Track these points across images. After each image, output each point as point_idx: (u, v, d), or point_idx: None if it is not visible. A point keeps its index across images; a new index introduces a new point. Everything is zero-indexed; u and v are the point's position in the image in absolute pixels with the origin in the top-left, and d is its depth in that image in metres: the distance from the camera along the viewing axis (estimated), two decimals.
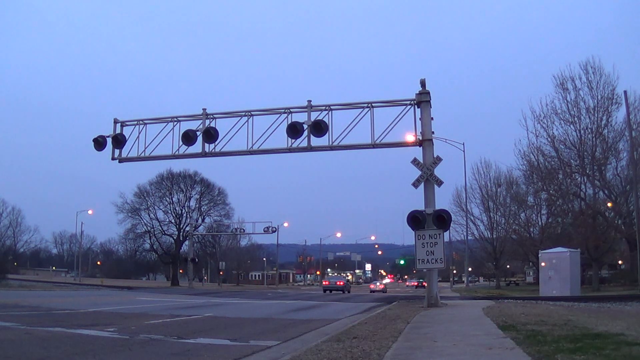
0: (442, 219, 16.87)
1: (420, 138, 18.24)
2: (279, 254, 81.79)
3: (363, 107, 19.63)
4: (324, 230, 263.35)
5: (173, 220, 67.86)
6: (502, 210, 49.13)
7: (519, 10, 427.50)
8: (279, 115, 20.36)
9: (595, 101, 36.63)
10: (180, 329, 11.01)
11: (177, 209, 67.97)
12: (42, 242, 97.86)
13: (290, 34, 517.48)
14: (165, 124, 22.00)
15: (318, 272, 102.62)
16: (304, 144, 19.85)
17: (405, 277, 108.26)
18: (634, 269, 34.18)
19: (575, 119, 37.22)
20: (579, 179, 39.23)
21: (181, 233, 66.84)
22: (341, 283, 45.89)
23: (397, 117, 18.94)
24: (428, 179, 17.58)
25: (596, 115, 36.62)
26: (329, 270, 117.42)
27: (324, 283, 47.61)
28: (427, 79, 18.63)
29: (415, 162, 17.86)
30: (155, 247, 70.14)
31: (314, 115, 19.69)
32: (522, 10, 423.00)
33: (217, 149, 21.32)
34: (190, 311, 16.70)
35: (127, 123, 22.50)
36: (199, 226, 68.99)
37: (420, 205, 17.55)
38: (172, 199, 68.02)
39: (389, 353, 6.71)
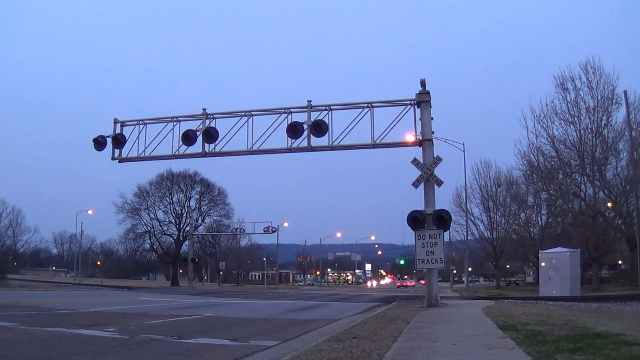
0: (442, 219, 16.87)
1: (420, 138, 18.23)
2: (279, 254, 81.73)
3: (363, 107, 19.63)
4: (324, 230, 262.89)
5: (173, 220, 67.92)
6: (502, 210, 49.09)
7: (519, 10, 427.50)
8: (279, 115, 20.36)
9: (595, 101, 36.61)
10: (180, 329, 11.01)
11: (177, 209, 68.04)
12: (42, 242, 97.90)
13: (291, 33, 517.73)
14: (165, 124, 21.99)
15: (318, 272, 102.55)
16: (304, 144, 19.85)
17: (405, 277, 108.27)
18: (634, 269, 34.16)
19: (575, 119, 37.21)
20: (579, 179, 39.19)
21: (181, 233, 66.83)
22: (412, 284, 75.30)
23: (397, 117, 18.95)
24: (428, 179, 17.58)
25: (596, 115, 36.61)
26: (329, 270, 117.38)
27: (397, 284, 76.68)
28: (427, 78, 18.66)
29: (415, 162, 17.86)
30: (155, 247, 70.15)
31: (314, 115, 19.69)
32: (522, 10, 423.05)
33: (217, 149, 21.32)
34: (190, 311, 16.71)
35: (127, 123, 22.50)
36: (199, 226, 69.01)
37: (420, 205, 17.56)
38: (172, 199, 68.08)
39: (389, 353, 6.72)
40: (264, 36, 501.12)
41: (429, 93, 18.43)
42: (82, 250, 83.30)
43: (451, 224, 30.30)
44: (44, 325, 10.96)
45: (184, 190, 68.65)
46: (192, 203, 69.08)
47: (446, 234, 28.77)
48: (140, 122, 22.40)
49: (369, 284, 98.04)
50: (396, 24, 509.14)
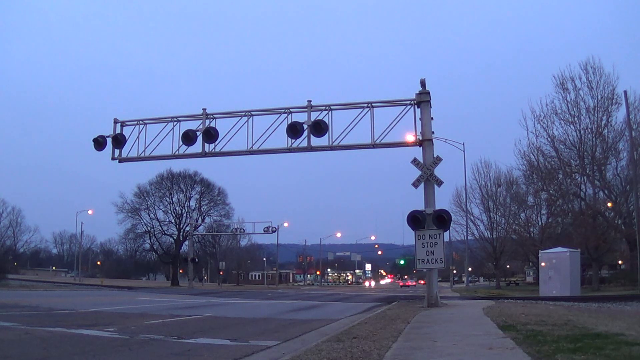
0: (442, 219, 16.86)
1: (420, 138, 18.23)
2: (279, 254, 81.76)
3: (363, 107, 19.63)
4: (324, 230, 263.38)
5: (173, 220, 67.96)
6: (502, 210, 49.07)
7: (518, 10, 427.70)
8: (279, 115, 20.36)
9: (595, 101, 36.64)
10: (180, 329, 11.01)
11: (177, 209, 68.07)
12: (42, 242, 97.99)
13: (290, 34, 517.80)
14: (165, 124, 21.99)
15: (318, 272, 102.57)
16: (304, 144, 19.85)
17: (406, 277, 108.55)
18: (634, 269, 34.16)
19: (575, 119, 37.23)
20: (579, 179, 39.21)
21: (181, 233, 66.86)
22: (413, 283, 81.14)
23: (397, 117, 18.95)
24: (428, 179, 17.57)
25: (596, 115, 36.63)
26: (329, 270, 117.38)
27: (400, 284, 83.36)
28: (427, 78, 18.65)
29: (415, 162, 17.86)
30: (155, 247, 70.15)
31: (314, 115, 19.70)
32: (522, 10, 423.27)
33: (217, 149, 21.32)
34: (190, 311, 16.70)
35: (127, 123, 22.50)
36: (199, 226, 69.04)
37: (420, 205, 17.56)
38: (172, 199, 68.12)
39: (389, 353, 6.71)
40: (264, 36, 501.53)
41: (429, 93, 18.43)
42: (82, 250, 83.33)
43: (451, 224, 30.34)
44: (44, 325, 10.96)
45: (184, 190, 68.71)
46: (192, 203, 69.24)
47: (446, 234, 28.79)
48: (140, 122, 22.40)
49: (366, 284, 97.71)
50: (396, 24, 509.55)
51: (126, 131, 22.37)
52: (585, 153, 37.35)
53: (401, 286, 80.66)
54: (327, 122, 19.58)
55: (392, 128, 19.08)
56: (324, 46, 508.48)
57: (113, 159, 22.45)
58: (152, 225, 67.37)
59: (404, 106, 18.89)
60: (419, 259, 17.02)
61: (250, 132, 20.75)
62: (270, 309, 19.51)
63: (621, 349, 6.28)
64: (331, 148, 20.14)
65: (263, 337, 9.91)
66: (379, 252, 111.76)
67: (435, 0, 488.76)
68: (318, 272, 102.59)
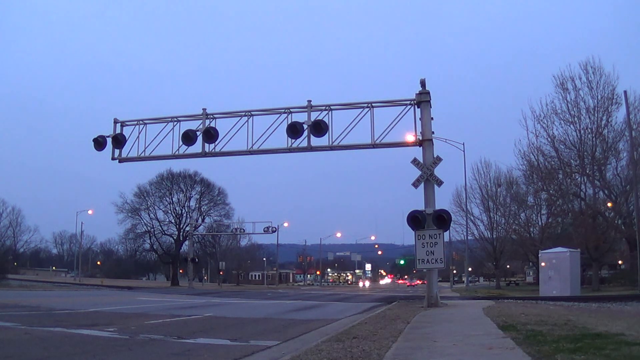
0: (442, 219, 16.87)
1: (420, 138, 18.23)
2: (279, 254, 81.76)
3: (363, 107, 19.63)
4: (324, 230, 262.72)
5: (173, 220, 67.97)
6: (502, 210, 49.12)
7: (519, 10, 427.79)
8: (279, 115, 20.36)
9: (595, 101, 36.66)
10: (180, 329, 11.01)
11: (177, 209, 68.09)
12: (42, 242, 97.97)
13: (290, 33, 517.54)
14: (165, 124, 21.99)
15: (318, 272, 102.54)
16: (304, 144, 19.85)
17: (406, 277, 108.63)
18: (634, 269, 34.15)
19: (575, 119, 37.25)
20: (579, 179, 39.23)
21: (181, 233, 66.87)
22: (417, 283, 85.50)
23: (397, 117, 18.95)
24: (428, 179, 17.58)
25: (596, 115, 36.64)
26: (329, 270, 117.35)
27: (407, 284, 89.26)
28: (427, 78, 18.64)
29: (415, 162, 17.86)
30: (155, 247, 70.16)
31: (314, 115, 19.69)
32: (522, 10, 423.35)
33: (217, 149, 21.32)
34: (190, 311, 16.71)
35: (127, 123, 22.49)
36: (199, 226, 69.03)
37: (420, 205, 17.56)
38: (172, 199, 68.14)
39: (389, 353, 6.71)
40: (264, 36, 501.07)
41: (429, 93, 18.43)
42: (82, 250, 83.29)
43: (451, 224, 30.33)
44: (44, 325, 10.96)
45: (184, 190, 68.73)
46: (192, 203, 69.27)
47: (446, 234, 28.78)
48: (140, 122, 22.39)
49: (360, 284, 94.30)
50: (396, 23, 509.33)
51: (126, 131, 22.37)
52: (585, 153, 37.37)
53: (408, 286, 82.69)
54: (327, 122, 19.58)
55: (392, 128, 19.10)
56: (324, 46, 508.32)
57: (113, 159, 22.45)
58: (152, 225, 67.47)
59: (404, 106, 18.89)
60: (419, 259, 17.02)
61: (250, 132, 20.77)
62: (270, 309, 19.52)
63: (621, 349, 6.27)
64: (331, 148, 20.14)
65: (263, 337, 9.92)
66: (379, 252, 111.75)
67: (436, 0, 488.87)
68: (318, 272, 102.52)
